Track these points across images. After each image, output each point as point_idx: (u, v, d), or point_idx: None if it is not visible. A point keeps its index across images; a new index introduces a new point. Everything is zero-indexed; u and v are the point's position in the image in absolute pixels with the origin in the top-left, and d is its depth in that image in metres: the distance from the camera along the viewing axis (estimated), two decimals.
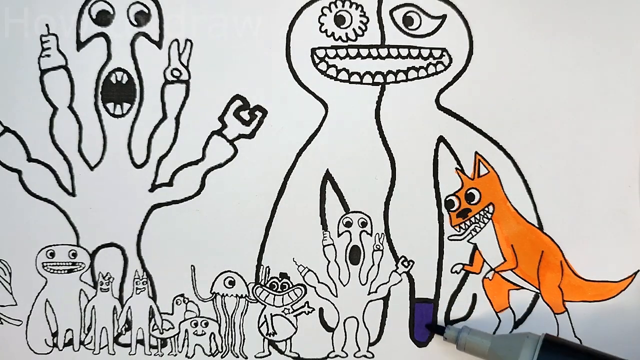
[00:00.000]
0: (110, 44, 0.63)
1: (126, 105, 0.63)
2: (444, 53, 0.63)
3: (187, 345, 0.62)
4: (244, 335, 0.62)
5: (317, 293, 0.62)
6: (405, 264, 0.62)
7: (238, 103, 0.63)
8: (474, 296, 0.62)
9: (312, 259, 0.62)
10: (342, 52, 0.63)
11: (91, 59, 0.63)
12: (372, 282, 0.62)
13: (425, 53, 0.63)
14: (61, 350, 0.62)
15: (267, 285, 0.62)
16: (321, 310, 0.63)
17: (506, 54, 0.63)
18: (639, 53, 0.63)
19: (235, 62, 0.63)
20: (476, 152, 0.63)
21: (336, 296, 0.62)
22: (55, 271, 0.62)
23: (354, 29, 0.63)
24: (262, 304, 0.62)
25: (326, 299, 0.62)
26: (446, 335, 0.59)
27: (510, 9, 0.63)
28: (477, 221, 0.62)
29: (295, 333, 0.62)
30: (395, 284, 0.62)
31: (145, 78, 0.63)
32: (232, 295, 0.62)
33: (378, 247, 0.62)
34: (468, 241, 0.63)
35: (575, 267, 0.62)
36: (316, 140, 0.63)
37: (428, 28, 0.63)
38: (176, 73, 0.63)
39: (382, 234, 0.62)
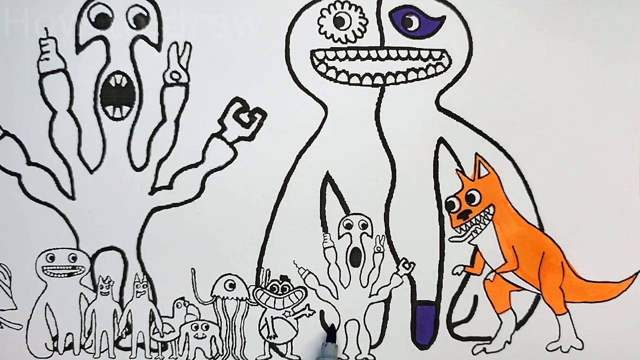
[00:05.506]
0: (109, 47, 0.63)
1: (125, 108, 0.63)
2: (444, 54, 0.63)
3: (188, 349, 0.62)
4: (244, 338, 0.62)
5: (317, 295, 0.62)
6: (406, 266, 0.62)
7: (237, 105, 0.63)
8: (475, 298, 0.62)
9: (313, 261, 0.62)
10: (341, 54, 0.63)
11: (90, 62, 0.63)
12: (373, 285, 0.62)
13: (424, 54, 0.63)
14: (62, 354, 0.62)
15: (268, 287, 0.62)
16: (322, 312, 0.62)
17: (506, 55, 0.63)
18: (639, 53, 0.63)
19: (234, 64, 0.63)
20: (476, 153, 0.63)
21: (337, 299, 0.62)
22: (55, 275, 0.62)
23: (353, 31, 0.63)
24: (263, 306, 0.62)
25: (327, 302, 0.62)
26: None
27: (509, 9, 0.63)
28: (477, 222, 0.62)
29: (296, 336, 0.62)
30: (397, 286, 0.62)
31: (144, 81, 0.63)
32: (232, 298, 0.62)
33: (379, 249, 0.62)
34: (469, 242, 0.62)
35: (576, 267, 0.62)
36: (316, 142, 0.63)
37: (427, 29, 0.63)
38: (175, 76, 0.63)
39: (383, 235, 0.62)
